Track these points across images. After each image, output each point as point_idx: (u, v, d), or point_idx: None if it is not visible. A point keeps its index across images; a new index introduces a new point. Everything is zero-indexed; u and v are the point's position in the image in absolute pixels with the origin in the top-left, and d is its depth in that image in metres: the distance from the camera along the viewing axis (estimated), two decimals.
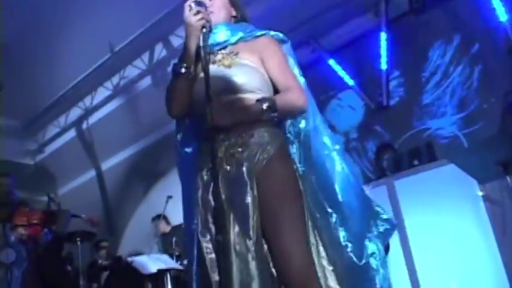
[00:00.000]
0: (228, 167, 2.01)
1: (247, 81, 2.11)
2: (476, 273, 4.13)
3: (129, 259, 5.85)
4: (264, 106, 2.03)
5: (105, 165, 9.62)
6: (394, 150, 5.67)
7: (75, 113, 8.86)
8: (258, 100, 2.06)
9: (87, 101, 8.61)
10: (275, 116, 2.06)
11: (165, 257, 6.14)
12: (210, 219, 1.98)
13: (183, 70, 2.13)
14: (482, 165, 4.07)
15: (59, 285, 4.57)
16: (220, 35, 2.24)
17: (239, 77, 2.11)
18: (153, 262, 5.80)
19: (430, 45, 6.12)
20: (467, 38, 5.81)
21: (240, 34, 2.24)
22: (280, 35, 2.31)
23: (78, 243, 5.90)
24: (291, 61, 2.29)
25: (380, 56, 5.95)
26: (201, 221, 1.99)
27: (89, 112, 8.68)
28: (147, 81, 7.72)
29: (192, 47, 2.12)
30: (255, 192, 1.94)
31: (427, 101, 6.11)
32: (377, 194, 4.55)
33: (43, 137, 9.23)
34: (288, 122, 2.19)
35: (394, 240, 4.37)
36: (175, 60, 2.23)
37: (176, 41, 7.17)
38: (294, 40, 2.46)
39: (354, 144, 6.74)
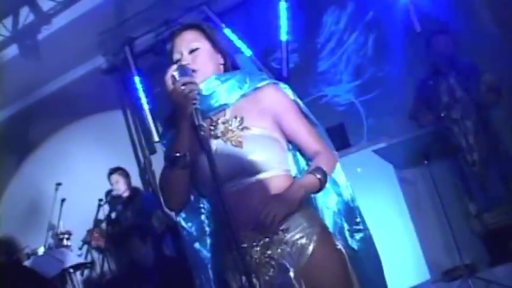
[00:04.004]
0: (270, 272, 1.70)
1: (267, 158, 1.76)
2: (395, 249, 4.37)
3: (27, 263, 5.27)
4: (319, 176, 1.77)
5: None
6: None
7: None
8: (310, 172, 1.79)
9: None
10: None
11: (65, 251, 5.61)
12: None
13: (176, 158, 1.75)
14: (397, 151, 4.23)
15: None
16: (214, 95, 1.82)
17: (256, 154, 1.74)
18: (56, 260, 5.28)
19: (324, 11, 6.05)
20: (361, 5, 5.81)
21: (238, 89, 1.84)
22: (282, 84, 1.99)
23: None
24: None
25: (280, 26, 5.73)
26: None
27: None
28: (13, 50, 6.81)
29: (185, 128, 1.74)
30: None
31: (322, 68, 6.11)
32: None
33: None
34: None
35: None
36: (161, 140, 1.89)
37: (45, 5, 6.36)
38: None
39: None
